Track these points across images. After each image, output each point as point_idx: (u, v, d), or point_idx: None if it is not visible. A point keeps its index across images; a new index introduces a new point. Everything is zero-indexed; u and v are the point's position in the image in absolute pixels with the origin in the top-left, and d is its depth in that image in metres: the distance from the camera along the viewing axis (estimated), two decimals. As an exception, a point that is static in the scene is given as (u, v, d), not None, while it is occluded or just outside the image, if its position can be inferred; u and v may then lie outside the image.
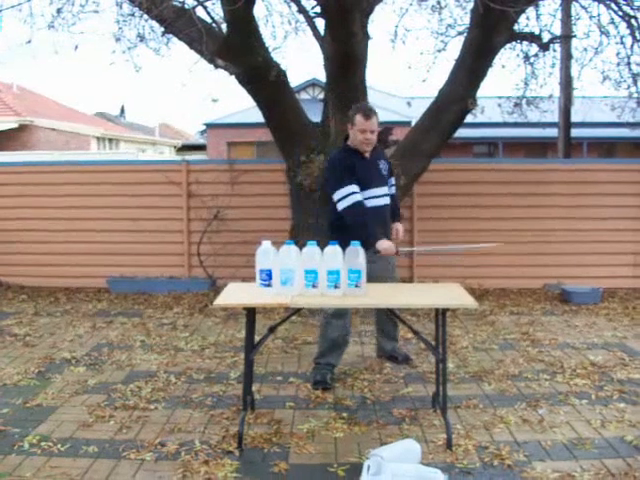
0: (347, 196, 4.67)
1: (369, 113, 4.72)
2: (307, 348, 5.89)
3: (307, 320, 6.87)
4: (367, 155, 4.88)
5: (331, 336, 4.97)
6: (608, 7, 7.83)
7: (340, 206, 4.70)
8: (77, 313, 7.47)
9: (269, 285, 3.92)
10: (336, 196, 4.72)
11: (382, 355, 5.54)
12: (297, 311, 4.40)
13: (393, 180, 5.23)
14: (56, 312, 7.53)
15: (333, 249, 3.87)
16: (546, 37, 8.12)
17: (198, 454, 3.71)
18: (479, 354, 5.75)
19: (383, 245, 4.59)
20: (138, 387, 4.86)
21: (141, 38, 7.54)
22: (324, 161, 7.10)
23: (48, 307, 7.83)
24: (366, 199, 4.77)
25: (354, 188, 4.68)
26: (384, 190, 4.97)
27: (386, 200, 4.98)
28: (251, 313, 4.03)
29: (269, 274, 3.91)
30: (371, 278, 4.14)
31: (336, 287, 3.86)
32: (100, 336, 6.44)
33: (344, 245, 3.94)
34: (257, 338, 4.24)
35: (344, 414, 4.31)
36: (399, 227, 5.14)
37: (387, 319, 5.32)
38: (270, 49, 7.39)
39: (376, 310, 5.28)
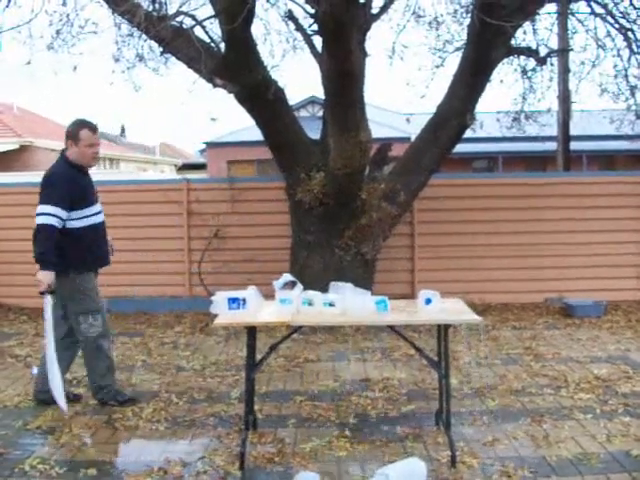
0: (50, 215, 4.52)
1: (95, 127, 4.66)
2: (309, 366, 5.87)
3: (308, 338, 6.85)
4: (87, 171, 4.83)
5: (108, 355, 4.93)
6: (604, 20, 7.89)
7: (39, 220, 4.55)
8: (78, 334, 7.43)
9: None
10: (42, 209, 4.54)
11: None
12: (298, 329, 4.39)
13: None
14: (57, 333, 7.48)
15: None
16: (543, 51, 8.17)
17: (200, 475, 3.68)
18: (482, 369, 5.72)
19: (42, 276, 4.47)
20: (139, 407, 4.83)
21: (140, 58, 7.59)
22: (322, 178, 7.12)
23: (49, 328, 7.78)
24: (93, 215, 4.79)
25: (59, 212, 4.55)
26: (100, 207, 4.95)
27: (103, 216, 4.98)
28: (252, 332, 4.01)
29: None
30: None
31: (331, 305, 3.89)
32: (101, 356, 6.39)
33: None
34: (259, 357, 4.22)
35: (347, 433, 4.28)
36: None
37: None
38: (268, 67, 7.43)
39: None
